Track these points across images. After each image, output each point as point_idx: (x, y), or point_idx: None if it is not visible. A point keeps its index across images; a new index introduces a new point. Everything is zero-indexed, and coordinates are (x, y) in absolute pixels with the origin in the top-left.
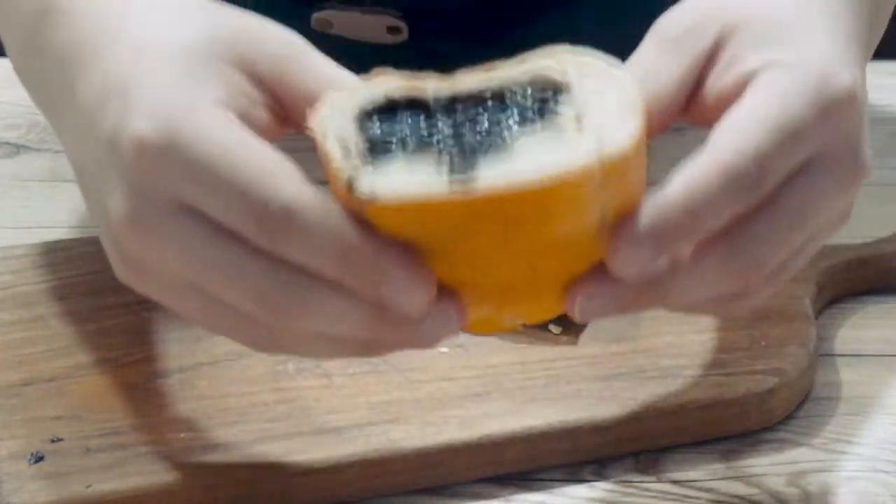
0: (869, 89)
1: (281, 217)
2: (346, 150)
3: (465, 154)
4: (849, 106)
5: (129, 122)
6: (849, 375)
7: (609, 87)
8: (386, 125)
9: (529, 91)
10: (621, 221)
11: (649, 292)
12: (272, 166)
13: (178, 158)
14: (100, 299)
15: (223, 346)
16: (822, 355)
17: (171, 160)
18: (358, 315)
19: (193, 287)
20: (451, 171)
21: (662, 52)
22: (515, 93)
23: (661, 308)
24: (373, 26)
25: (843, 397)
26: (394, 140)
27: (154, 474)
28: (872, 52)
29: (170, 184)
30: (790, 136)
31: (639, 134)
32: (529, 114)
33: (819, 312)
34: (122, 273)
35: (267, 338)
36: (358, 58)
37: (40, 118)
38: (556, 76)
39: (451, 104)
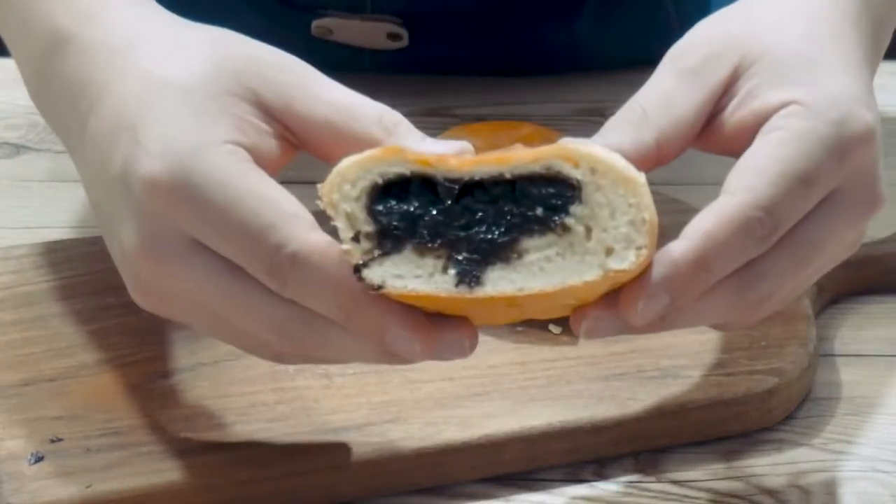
0: None
1: (289, 265)
2: (355, 232)
3: (474, 261)
4: (867, 144)
5: (140, 162)
6: (849, 375)
7: (622, 196)
8: (395, 211)
9: (541, 186)
10: (639, 277)
11: (658, 322)
12: (281, 213)
13: (189, 200)
14: (100, 299)
15: (223, 346)
16: (822, 355)
17: (182, 201)
18: (370, 349)
19: (209, 312)
20: (459, 278)
21: (681, 80)
22: (527, 189)
23: (665, 331)
24: (373, 33)
25: (843, 397)
26: (403, 228)
27: (154, 474)
28: (876, 70)
29: (181, 223)
30: (806, 185)
31: (647, 254)
32: (539, 216)
33: (819, 312)
34: (136, 296)
35: (286, 355)
36: (358, 64)
37: (40, 118)
38: (570, 173)
39: (463, 190)
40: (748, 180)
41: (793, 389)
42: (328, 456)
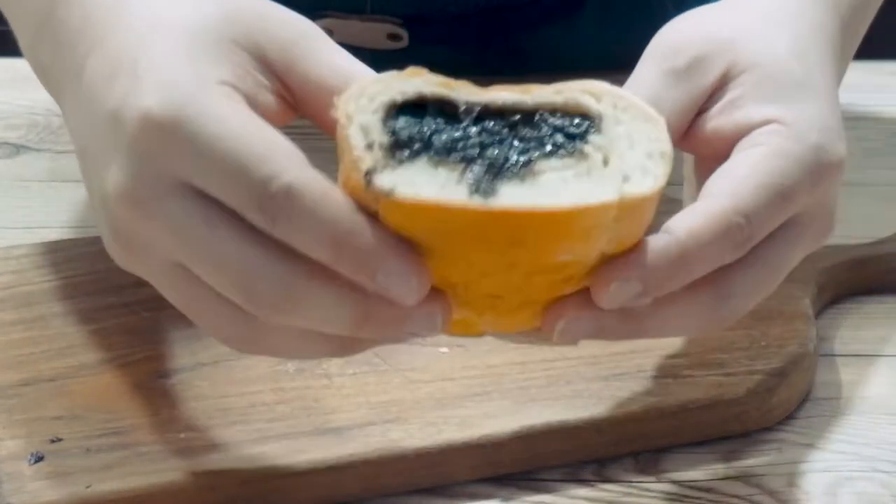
0: (869, 89)
1: (283, 196)
2: (369, 141)
3: (490, 172)
4: (837, 174)
5: (136, 97)
6: (849, 375)
7: (642, 127)
8: (413, 124)
9: (561, 117)
10: (618, 257)
11: (630, 324)
12: (276, 147)
13: (182, 134)
14: (100, 299)
15: (223, 346)
16: (822, 355)
17: (175, 136)
18: (344, 312)
19: (181, 269)
20: (474, 186)
21: (669, 80)
22: (547, 117)
23: (637, 338)
24: (373, 34)
25: (843, 397)
26: (419, 141)
27: (154, 474)
28: None
29: (172, 160)
30: (784, 199)
31: (663, 182)
32: (558, 141)
33: (819, 312)
34: (111, 248)
35: (245, 334)
36: None
37: (40, 118)
38: (591, 105)
39: (482, 114)
40: (731, 187)
41: (793, 389)
42: (328, 456)
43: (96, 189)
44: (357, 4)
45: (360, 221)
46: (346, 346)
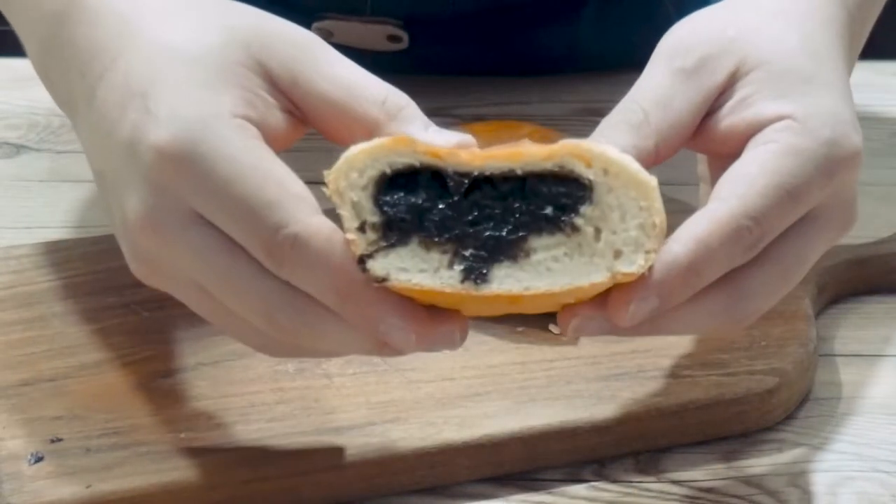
0: (869, 89)
1: (289, 246)
2: (360, 221)
3: (481, 257)
4: (853, 166)
5: (149, 129)
6: (849, 375)
7: (633, 199)
8: (402, 202)
9: (552, 184)
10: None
11: (644, 325)
12: (285, 193)
13: (195, 171)
14: (100, 299)
15: (223, 346)
16: (822, 355)
17: (187, 171)
18: (363, 341)
19: (204, 291)
20: (465, 272)
21: (678, 80)
22: (537, 187)
23: (651, 335)
24: (373, 35)
25: (843, 397)
26: (410, 221)
27: (154, 474)
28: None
29: (185, 193)
30: (795, 199)
31: (655, 257)
32: (549, 216)
33: (819, 312)
34: (135, 269)
35: (277, 347)
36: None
37: (40, 118)
38: (582, 172)
39: (472, 186)
40: (739, 189)
41: (793, 389)
42: (328, 456)
43: (117, 214)
44: (357, 6)
45: (360, 279)
46: (381, 346)
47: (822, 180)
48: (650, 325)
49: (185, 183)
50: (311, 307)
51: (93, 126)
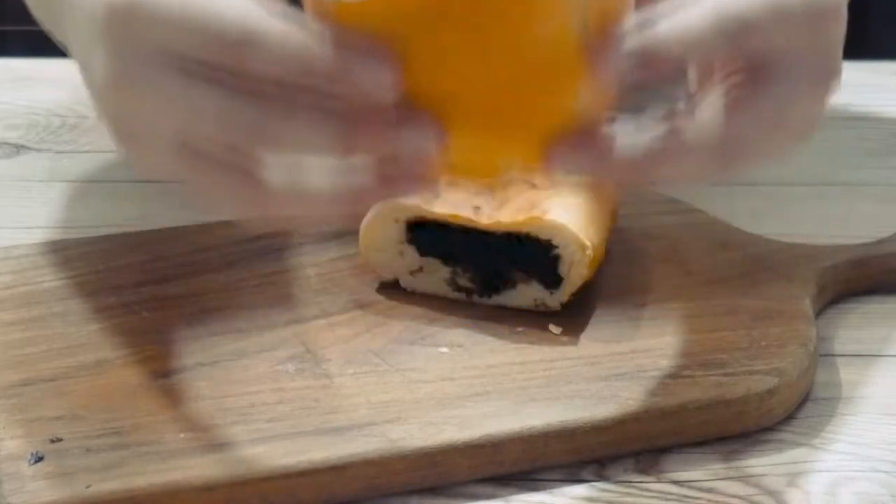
0: (869, 89)
1: (243, 41)
2: None
3: None
4: (835, 21)
5: None
6: (849, 375)
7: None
8: None
9: None
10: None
11: (633, 160)
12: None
13: (142, 13)
14: (100, 299)
15: (223, 346)
16: (822, 355)
17: (136, 17)
18: (333, 122)
19: (184, 148)
20: None
21: None
22: None
23: (635, 181)
24: None
25: (843, 397)
26: None
27: (154, 474)
28: None
29: (140, 38)
30: (780, 15)
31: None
32: None
33: (819, 312)
34: (118, 144)
35: (255, 196)
36: None
37: (40, 118)
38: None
39: None
40: None
41: (793, 389)
42: (328, 456)
43: (90, 85)
44: None
45: (318, 43)
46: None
47: (805, 17)
48: (640, 167)
49: (137, 27)
50: (284, 104)
51: (70, 15)
